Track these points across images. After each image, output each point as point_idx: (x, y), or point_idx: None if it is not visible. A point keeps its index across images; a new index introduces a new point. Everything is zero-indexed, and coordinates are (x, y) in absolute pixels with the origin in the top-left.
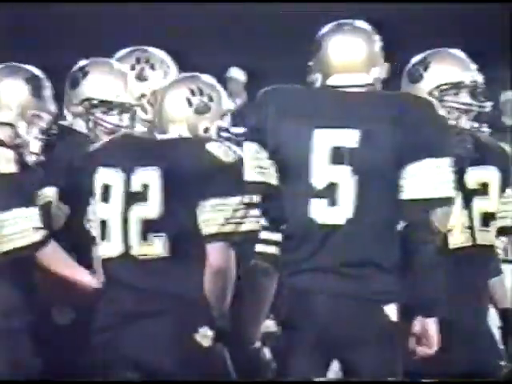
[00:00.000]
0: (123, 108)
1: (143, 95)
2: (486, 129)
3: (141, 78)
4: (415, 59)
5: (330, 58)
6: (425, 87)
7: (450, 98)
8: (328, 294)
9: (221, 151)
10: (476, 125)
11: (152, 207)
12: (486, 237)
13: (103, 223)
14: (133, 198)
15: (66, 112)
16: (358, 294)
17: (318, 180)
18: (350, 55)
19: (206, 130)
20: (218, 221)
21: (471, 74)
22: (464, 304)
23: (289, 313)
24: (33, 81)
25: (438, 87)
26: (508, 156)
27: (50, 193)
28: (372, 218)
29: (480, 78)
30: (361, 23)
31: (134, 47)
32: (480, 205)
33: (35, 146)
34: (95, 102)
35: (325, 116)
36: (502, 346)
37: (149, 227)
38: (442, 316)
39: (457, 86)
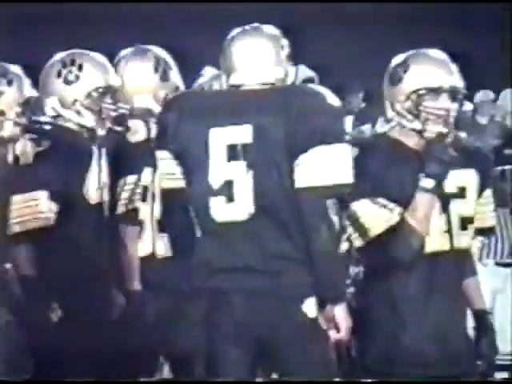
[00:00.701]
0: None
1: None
2: (463, 133)
3: (68, 82)
4: (396, 60)
5: (233, 59)
6: (404, 90)
7: (429, 103)
8: (242, 293)
9: None
10: (454, 129)
11: None
12: (464, 240)
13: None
14: None
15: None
16: (271, 291)
17: (215, 178)
18: (252, 56)
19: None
20: None
21: (451, 78)
22: (441, 307)
23: (209, 315)
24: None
25: (415, 91)
26: (486, 158)
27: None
28: (274, 210)
29: (461, 82)
30: (268, 27)
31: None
32: (458, 208)
33: None
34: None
35: (220, 115)
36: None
37: None
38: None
39: (436, 91)
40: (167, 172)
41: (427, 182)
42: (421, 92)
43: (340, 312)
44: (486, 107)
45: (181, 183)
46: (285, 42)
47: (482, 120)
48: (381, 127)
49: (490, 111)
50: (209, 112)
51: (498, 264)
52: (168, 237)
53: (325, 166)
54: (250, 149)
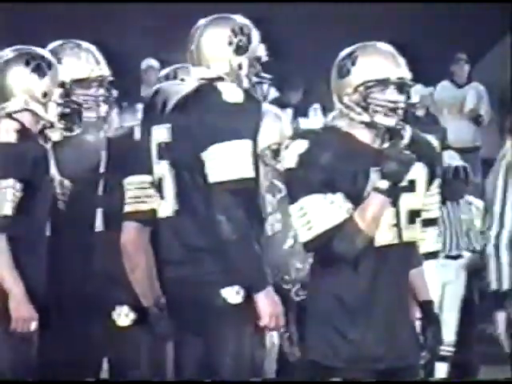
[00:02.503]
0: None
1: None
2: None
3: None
4: (344, 53)
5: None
6: (352, 82)
7: (376, 96)
8: (175, 281)
9: None
10: (401, 121)
11: None
12: (412, 234)
13: None
14: None
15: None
16: (194, 279)
17: (152, 175)
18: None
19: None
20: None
21: (399, 70)
22: (389, 300)
23: (167, 301)
24: None
25: (363, 84)
26: (434, 149)
27: None
28: (191, 205)
29: (408, 74)
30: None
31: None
32: (407, 202)
33: None
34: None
35: (160, 113)
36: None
37: None
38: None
39: (383, 83)
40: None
41: (382, 183)
42: (369, 84)
43: (260, 299)
44: (423, 100)
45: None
46: (232, 39)
47: (419, 112)
48: (331, 120)
49: (426, 104)
50: (156, 110)
51: (447, 256)
52: None
53: (225, 161)
54: (170, 148)
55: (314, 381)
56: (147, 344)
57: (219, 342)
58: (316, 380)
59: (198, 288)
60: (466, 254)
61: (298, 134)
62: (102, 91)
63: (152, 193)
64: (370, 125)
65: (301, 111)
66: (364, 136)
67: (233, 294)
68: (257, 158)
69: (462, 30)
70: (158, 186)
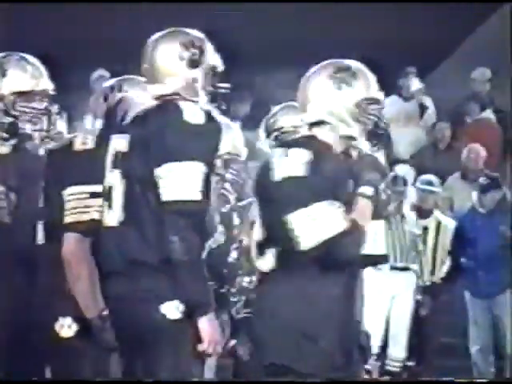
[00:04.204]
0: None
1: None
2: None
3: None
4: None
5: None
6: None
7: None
8: (114, 297)
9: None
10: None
11: None
12: None
13: None
14: None
15: None
16: (131, 294)
17: (103, 184)
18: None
19: None
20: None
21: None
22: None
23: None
24: None
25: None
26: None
27: None
28: (138, 218)
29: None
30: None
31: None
32: None
33: None
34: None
35: (120, 123)
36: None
37: None
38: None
39: (374, 101)
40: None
41: (367, 189)
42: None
43: (202, 324)
44: None
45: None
46: (186, 53)
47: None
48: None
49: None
50: (111, 120)
51: (392, 268)
52: None
53: (176, 181)
54: (125, 158)
55: (312, 381)
56: (90, 355)
57: (156, 357)
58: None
59: (136, 303)
60: (414, 267)
61: (287, 143)
62: (44, 104)
63: (92, 203)
64: (351, 137)
65: (248, 124)
66: (337, 146)
67: (172, 310)
68: (208, 178)
69: (411, 42)
70: (107, 194)
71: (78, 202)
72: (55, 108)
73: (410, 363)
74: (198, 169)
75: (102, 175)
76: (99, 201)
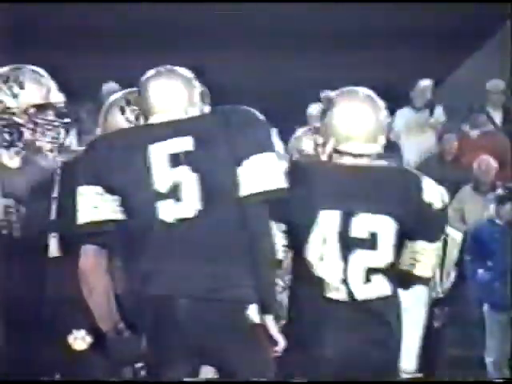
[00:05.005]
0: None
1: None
2: None
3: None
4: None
5: (150, 101)
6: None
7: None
8: (187, 297)
9: None
10: None
11: None
12: None
13: None
14: None
15: None
16: (218, 295)
17: (162, 184)
18: (167, 97)
19: None
20: None
21: None
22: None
23: (152, 323)
24: None
25: None
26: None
27: None
28: (220, 208)
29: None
30: (181, 69)
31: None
32: None
33: None
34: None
35: (158, 135)
36: None
37: None
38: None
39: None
40: (92, 206)
41: None
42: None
43: (271, 322)
44: None
45: (104, 215)
46: (196, 83)
47: None
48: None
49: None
50: (144, 135)
51: None
52: None
53: (264, 173)
54: (192, 155)
55: (316, 381)
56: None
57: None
58: None
59: (220, 304)
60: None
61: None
62: (56, 117)
63: (104, 204)
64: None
65: None
66: None
67: (255, 313)
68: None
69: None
70: (173, 191)
71: (90, 201)
72: (68, 120)
73: (420, 375)
74: (277, 158)
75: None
76: (113, 203)
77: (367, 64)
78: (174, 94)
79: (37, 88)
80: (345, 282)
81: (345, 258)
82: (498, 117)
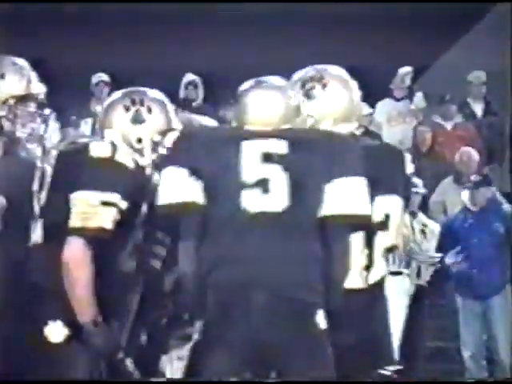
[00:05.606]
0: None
1: (139, 139)
2: None
3: (137, 120)
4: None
5: (248, 113)
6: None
7: None
8: (265, 291)
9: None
10: None
11: None
12: None
13: None
14: None
15: None
16: (292, 294)
17: (250, 176)
18: (267, 110)
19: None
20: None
21: None
22: None
23: (218, 308)
24: None
25: None
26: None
27: None
28: (307, 206)
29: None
30: (276, 79)
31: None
32: None
33: None
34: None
35: (253, 133)
36: None
37: None
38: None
39: None
40: (176, 187)
41: None
42: None
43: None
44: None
45: (186, 198)
46: (292, 92)
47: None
48: None
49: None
50: (241, 132)
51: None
52: None
53: (349, 195)
54: (285, 157)
55: (310, 381)
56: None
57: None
58: None
59: (295, 303)
60: (406, 271)
61: None
62: (37, 108)
63: (103, 211)
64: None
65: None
66: None
67: (322, 319)
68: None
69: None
70: (262, 184)
71: (87, 208)
72: (47, 112)
73: (401, 367)
74: (363, 184)
75: (117, 185)
76: (111, 210)
77: (349, 49)
78: (271, 105)
79: (17, 79)
80: None
81: None
82: (479, 108)
